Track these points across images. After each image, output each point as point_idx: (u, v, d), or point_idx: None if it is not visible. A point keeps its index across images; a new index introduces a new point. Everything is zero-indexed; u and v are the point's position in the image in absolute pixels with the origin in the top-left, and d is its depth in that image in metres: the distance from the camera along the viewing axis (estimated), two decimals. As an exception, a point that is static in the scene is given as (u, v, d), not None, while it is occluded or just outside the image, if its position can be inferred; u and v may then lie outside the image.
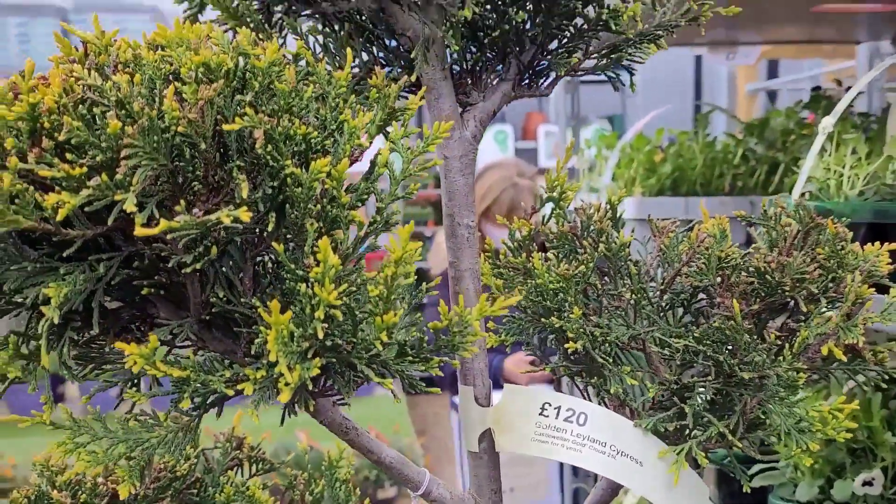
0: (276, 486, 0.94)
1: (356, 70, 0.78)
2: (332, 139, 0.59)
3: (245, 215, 0.52)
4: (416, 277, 0.61)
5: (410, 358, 0.61)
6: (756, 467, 1.29)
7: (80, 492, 0.80)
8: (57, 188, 0.51)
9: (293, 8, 0.78)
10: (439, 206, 0.82)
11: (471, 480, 0.79)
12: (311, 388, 0.60)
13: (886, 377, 0.77)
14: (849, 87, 2.07)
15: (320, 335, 0.53)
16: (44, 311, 0.53)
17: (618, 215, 0.90)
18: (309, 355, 0.55)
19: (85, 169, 0.51)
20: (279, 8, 0.78)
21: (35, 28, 7.30)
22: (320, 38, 0.78)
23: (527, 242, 0.87)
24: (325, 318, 0.54)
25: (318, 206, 0.56)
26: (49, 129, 0.52)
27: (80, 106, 0.53)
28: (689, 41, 2.28)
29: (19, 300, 0.56)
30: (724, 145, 1.97)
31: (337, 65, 0.78)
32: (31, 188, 0.51)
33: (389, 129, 0.64)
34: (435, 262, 3.06)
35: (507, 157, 3.65)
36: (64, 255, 0.55)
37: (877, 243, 0.81)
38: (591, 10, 0.75)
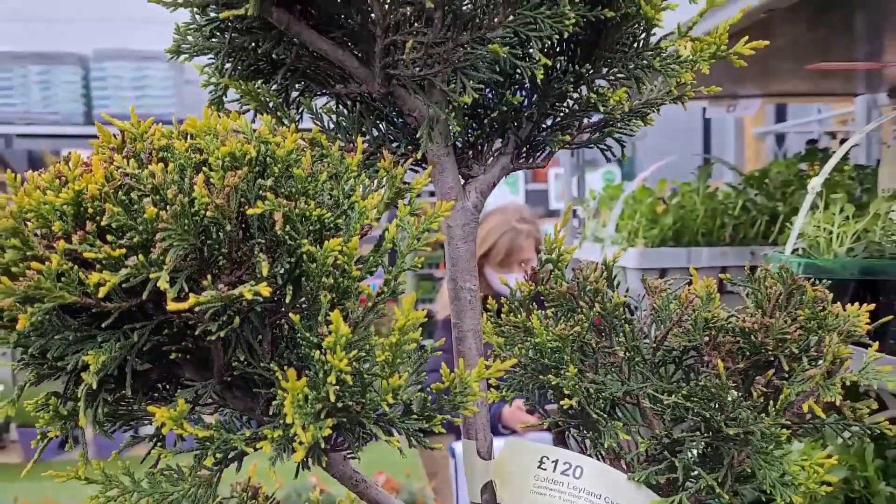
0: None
1: (367, 145, 0.84)
2: (345, 216, 0.65)
3: (265, 290, 0.57)
4: (422, 324, 0.66)
5: (415, 416, 0.66)
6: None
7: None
8: (98, 266, 0.57)
9: (310, 87, 0.85)
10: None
11: (474, 530, 0.83)
12: (323, 445, 0.65)
13: (870, 433, 0.82)
14: (843, 140, 2.12)
15: (332, 398, 0.59)
16: (83, 377, 0.58)
17: (613, 275, 0.95)
18: (322, 416, 0.60)
19: (124, 250, 0.57)
20: (297, 87, 0.85)
21: (56, 75, 7.49)
22: (334, 116, 0.85)
23: (527, 302, 0.93)
24: (336, 382, 0.59)
25: (331, 280, 0.62)
26: (92, 213, 0.59)
27: (120, 192, 0.59)
28: (692, 97, 2.34)
29: (60, 365, 0.62)
30: (725, 195, 2.03)
31: (349, 139, 0.85)
32: (76, 267, 0.57)
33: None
34: (442, 305, 3.11)
35: (511, 201, 3.71)
36: (101, 323, 0.61)
37: (856, 304, 0.86)
38: (583, 90, 0.81)
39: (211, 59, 0.81)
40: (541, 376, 0.85)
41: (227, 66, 0.80)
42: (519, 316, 0.90)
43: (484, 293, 2.20)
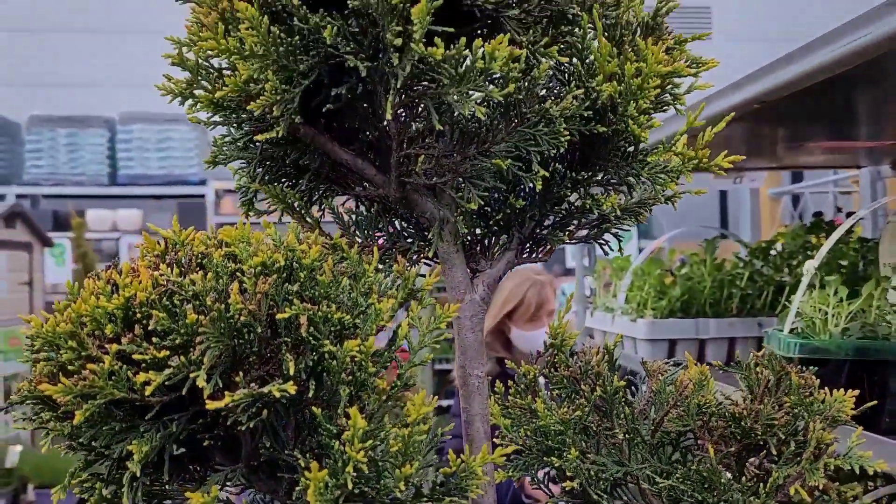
0: None
1: (382, 241, 0.92)
2: (363, 316, 0.72)
3: (291, 388, 0.64)
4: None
5: (425, 499, 0.72)
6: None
7: None
8: (143, 366, 0.65)
9: (332, 189, 0.93)
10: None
11: None
12: (341, 526, 0.71)
13: (856, 513, 0.86)
14: (850, 213, 2.19)
15: (349, 486, 0.65)
16: (128, 464, 0.65)
17: (614, 359, 1.01)
18: (340, 501, 0.67)
19: (167, 352, 0.64)
20: (321, 189, 0.93)
21: (84, 138, 7.71)
22: (353, 215, 0.93)
23: (532, 385, 0.99)
24: (353, 471, 0.66)
25: (350, 376, 0.68)
26: (140, 317, 0.66)
27: (164, 298, 0.67)
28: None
29: (107, 453, 0.69)
30: (733, 266, 2.08)
31: (367, 236, 0.93)
32: (124, 367, 0.65)
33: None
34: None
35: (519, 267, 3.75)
36: (144, 416, 0.68)
37: (842, 390, 0.91)
38: (581, 192, 0.89)
39: (243, 165, 0.89)
40: (545, 458, 0.90)
41: (258, 171, 0.89)
42: (525, 398, 0.97)
43: (509, 357, 2.24)
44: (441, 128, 0.75)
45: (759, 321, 1.95)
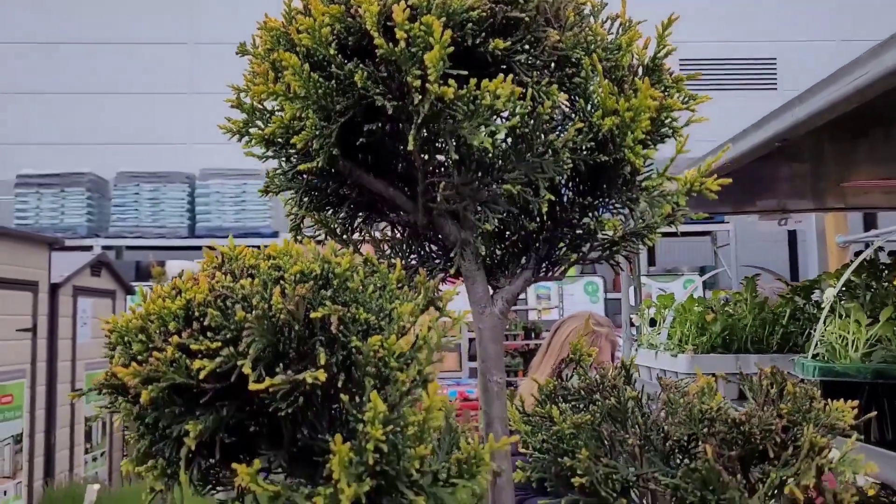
0: None
1: (413, 261, 1.03)
2: (387, 319, 0.83)
3: (322, 376, 0.75)
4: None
5: (441, 483, 0.82)
6: None
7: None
8: (199, 356, 0.77)
9: (370, 216, 1.05)
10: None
11: None
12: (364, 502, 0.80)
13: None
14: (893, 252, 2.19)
15: (371, 462, 0.75)
16: (185, 441, 0.77)
17: (630, 374, 1.09)
18: (363, 478, 0.76)
19: (219, 343, 0.76)
20: (360, 216, 1.05)
21: (166, 193, 8.13)
22: (388, 239, 1.05)
23: (553, 396, 1.08)
24: (375, 450, 0.76)
25: (374, 369, 0.79)
26: (197, 315, 0.78)
27: (218, 300, 0.79)
28: (742, 210, 2.48)
29: (168, 433, 0.81)
30: (776, 305, 2.12)
31: (401, 258, 1.04)
32: (184, 356, 0.77)
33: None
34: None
35: (584, 310, 3.82)
36: (200, 401, 0.80)
37: (841, 400, 0.97)
38: (590, 216, 0.98)
39: (292, 194, 1.02)
40: (559, 459, 0.98)
41: (304, 200, 1.01)
42: (544, 408, 1.05)
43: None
44: (457, 157, 0.86)
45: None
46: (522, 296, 8.08)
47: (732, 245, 7.85)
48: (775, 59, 9.34)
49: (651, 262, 8.39)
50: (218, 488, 0.92)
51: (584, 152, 0.90)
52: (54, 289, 5.88)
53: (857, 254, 5.04)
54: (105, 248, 7.55)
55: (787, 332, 1.99)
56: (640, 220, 1.00)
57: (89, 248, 7.43)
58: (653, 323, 2.24)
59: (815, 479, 0.87)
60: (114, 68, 9.14)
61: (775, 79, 9.19)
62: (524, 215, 0.96)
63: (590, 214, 0.96)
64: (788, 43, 9.17)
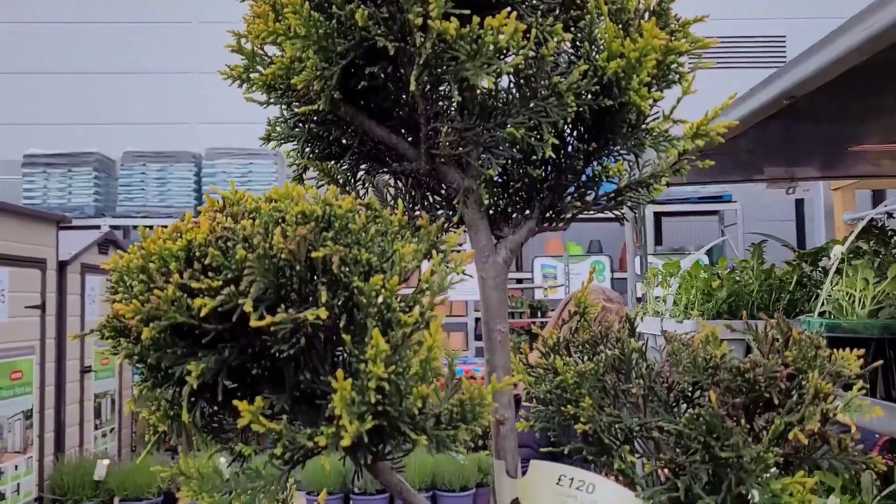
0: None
1: (417, 212, 1.02)
2: (389, 262, 0.82)
3: (323, 314, 0.75)
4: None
5: (444, 426, 0.81)
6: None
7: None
8: (201, 295, 0.76)
9: (373, 167, 1.04)
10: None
11: (503, 541, 0.96)
12: (369, 446, 0.80)
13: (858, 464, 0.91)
14: (902, 218, 2.17)
15: (373, 400, 0.75)
16: (188, 379, 0.77)
17: (635, 327, 1.09)
18: (365, 417, 0.76)
19: (220, 282, 0.76)
20: (363, 167, 1.05)
21: (173, 173, 8.13)
22: (392, 189, 1.04)
23: (556, 348, 1.07)
24: (377, 390, 0.75)
25: (376, 309, 0.79)
26: (198, 256, 0.78)
27: (219, 241, 0.79)
28: (750, 178, 2.46)
29: (170, 373, 0.81)
30: (783, 273, 2.10)
31: (405, 207, 1.03)
32: (185, 296, 0.76)
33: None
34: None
35: (594, 284, 3.80)
36: (202, 342, 0.80)
37: (847, 349, 0.96)
38: (597, 168, 0.98)
39: (294, 146, 1.02)
40: (562, 408, 0.98)
41: (307, 150, 1.01)
42: (548, 360, 1.05)
43: None
44: (460, 100, 0.85)
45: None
46: (528, 274, 8.07)
47: (740, 224, 7.82)
48: (784, 36, 9.25)
49: (658, 241, 8.37)
50: (222, 436, 0.92)
51: (589, 97, 0.89)
52: (62, 266, 5.91)
53: (865, 229, 4.97)
54: (112, 227, 7.57)
55: (793, 298, 1.98)
56: (646, 170, 0.99)
57: (97, 228, 7.45)
58: (662, 284, 2.23)
59: (819, 424, 0.87)
60: (120, 48, 9.12)
61: (785, 57, 9.10)
62: (528, 163, 0.95)
63: (594, 161, 0.95)
64: (798, 20, 9.08)
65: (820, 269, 2.02)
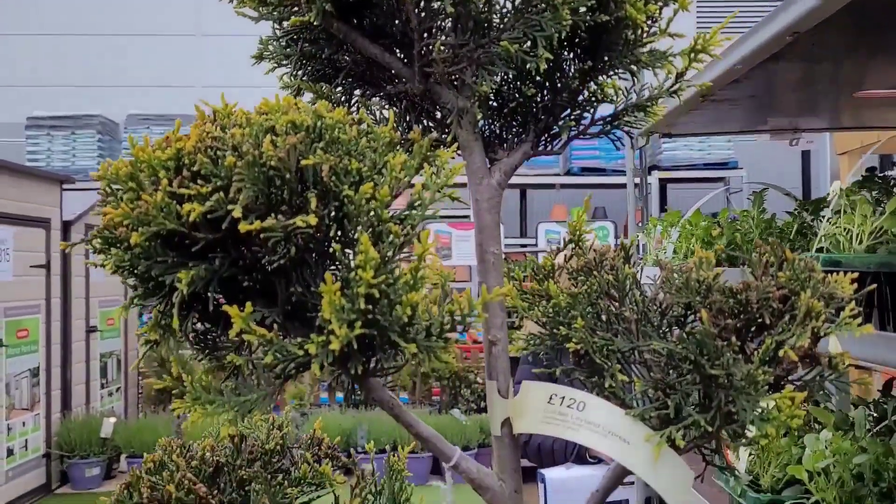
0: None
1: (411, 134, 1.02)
2: (380, 174, 0.82)
3: (313, 219, 0.75)
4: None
5: (434, 337, 0.81)
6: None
7: (192, 459, 1.02)
8: (190, 201, 0.76)
9: (367, 90, 1.03)
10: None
11: (494, 460, 0.97)
12: (360, 356, 0.80)
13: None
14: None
15: (362, 307, 0.75)
16: (177, 286, 0.77)
17: (630, 255, 1.08)
18: (354, 325, 0.76)
19: (210, 189, 0.76)
20: (357, 92, 1.04)
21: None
22: (386, 113, 1.03)
23: (549, 274, 1.07)
24: (366, 297, 0.75)
25: (366, 219, 0.78)
26: (188, 163, 0.78)
27: (209, 150, 0.79)
28: (754, 129, 2.44)
29: (160, 282, 0.81)
30: (785, 223, 2.09)
31: (399, 130, 1.02)
32: (174, 202, 0.76)
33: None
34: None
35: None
36: (192, 251, 0.80)
37: (842, 273, 0.96)
38: (592, 86, 0.97)
39: (288, 68, 1.01)
40: (555, 331, 0.98)
41: (300, 73, 1.00)
42: (542, 285, 1.05)
43: None
44: (453, 10, 0.84)
45: (810, 273, 1.95)
46: (533, 240, 8.07)
47: (745, 191, 7.78)
48: None
49: (663, 207, 8.34)
50: (216, 353, 0.93)
51: (585, 12, 0.88)
52: (66, 226, 5.92)
53: (868, 178, 4.91)
54: (117, 189, 7.54)
55: (793, 246, 1.97)
56: (642, 92, 0.98)
57: (101, 190, 7.43)
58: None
59: (810, 341, 0.87)
60: (123, 10, 9.05)
61: None
62: (522, 81, 0.94)
63: (591, 81, 0.94)
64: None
65: (821, 217, 2.01)
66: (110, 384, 6.53)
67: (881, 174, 2.10)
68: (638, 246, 2.84)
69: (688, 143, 7.55)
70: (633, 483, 2.42)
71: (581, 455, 2.50)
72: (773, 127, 2.33)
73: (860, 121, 2.29)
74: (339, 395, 6.83)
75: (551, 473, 2.31)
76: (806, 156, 8.40)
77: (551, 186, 8.27)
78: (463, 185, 0.96)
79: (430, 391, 6.52)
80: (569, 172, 7.97)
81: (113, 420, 5.83)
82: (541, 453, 2.55)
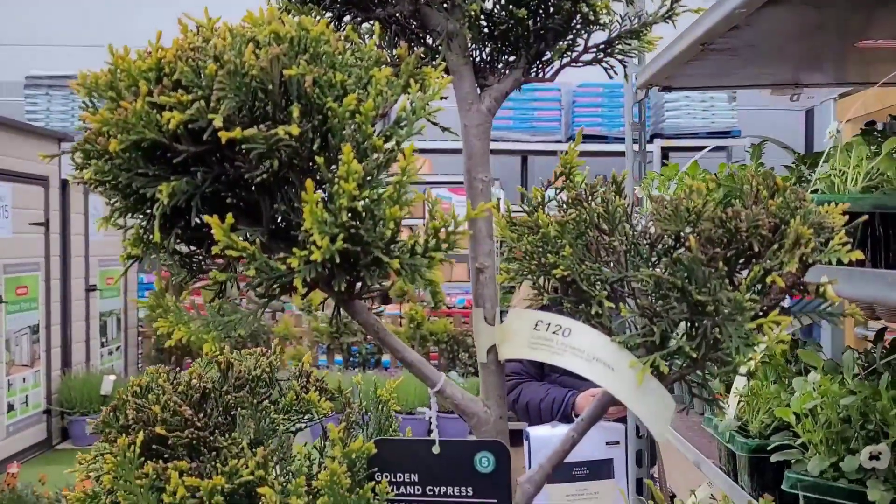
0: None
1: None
2: (364, 90, 0.81)
3: (295, 129, 0.74)
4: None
5: (419, 255, 0.81)
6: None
7: (179, 384, 1.02)
8: (170, 110, 0.75)
9: (356, 16, 1.02)
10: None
11: (480, 387, 0.97)
12: (343, 271, 0.80)
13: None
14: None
15: (344, 220, 0.74)
16: (158, 197, 0.76)
17: (622, 188, 1.07)
18: (336, 239, 0.76)
19: (190, 98, 0.74)
20: (347, 18, 1.02)
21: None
22: (376, 38, 1.01)
23: (539, 207, 1.06)
24: (349, 210, 0.74)
25: (350, 132, 0.77)
26: (169, 73, 0.76)
27: (190, 60, 0.77)
28: (755, 83, 2.41)
29: (142, 194, 0.80)
30: (784, 177, 2.08)
31: (388, 55, 1.01)
32: (154, 111, 0.75)
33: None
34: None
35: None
36: (174, 165, 0.79)
37: (832, 204, 0.95)
38: (584, 8, 0.95)
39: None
40: (542, 259, 0.97)
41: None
42: (531, 217, 1.04)
43: None
44: (441, -77, 0.82)
45: (807, 227, 1.94)
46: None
47: (748, 161, 7.73)
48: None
49: (665, 175, 8.31)
50: (199, 276, 0.92)
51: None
52: (65, 184, 5.91)
53: (867, 132, 4.88)
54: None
55: (792, 200, 1.95)
56: (636, 19, 0.96)
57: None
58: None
59: (798, 267, 0.86)
60: (122, -33, 8.94)
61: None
62: (514, 3, 0.93)
63: (582, 1, 0.92)
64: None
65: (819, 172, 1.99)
66: (110, 343, 6.56)
67: (879, 130, 2.08)
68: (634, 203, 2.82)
69: (691, 111, 7.48)
70: (618, 443, 2.43)
71: (567, 414, 2.52)
72: (773, 81, 2.31)
73: (864, 76, 2.26)
74: (339, 357, 6.86)
75: (536, 432, 2.33)
76: (810, 125, 8.34)
77: (553, 153, 8.23)
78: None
79: (428, 355, 6.55)
80: (570, 139, 7.93)
81: (113, 378, 5.87)
82: (528, 411, 2.59)
